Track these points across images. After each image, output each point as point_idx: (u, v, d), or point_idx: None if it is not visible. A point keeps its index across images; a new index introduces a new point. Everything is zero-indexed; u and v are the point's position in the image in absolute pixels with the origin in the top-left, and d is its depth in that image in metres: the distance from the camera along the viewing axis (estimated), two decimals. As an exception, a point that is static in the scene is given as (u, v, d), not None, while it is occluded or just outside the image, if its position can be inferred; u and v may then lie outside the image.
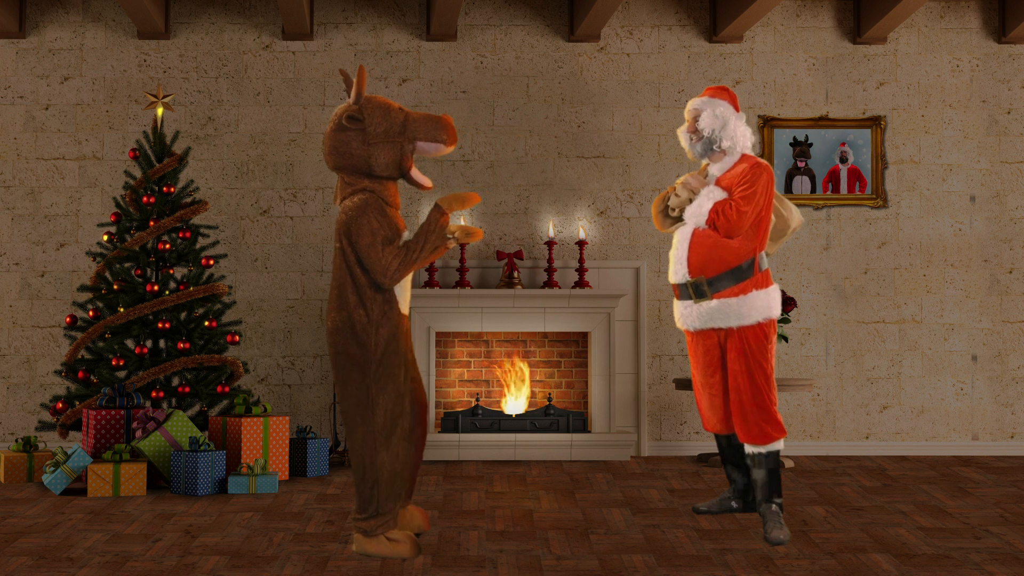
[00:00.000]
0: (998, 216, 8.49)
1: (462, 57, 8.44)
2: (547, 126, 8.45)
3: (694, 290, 5.52)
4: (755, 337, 5.47)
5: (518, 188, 8.42)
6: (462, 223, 8.03)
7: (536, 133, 8.44)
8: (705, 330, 5.59)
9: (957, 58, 8.53)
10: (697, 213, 5.53)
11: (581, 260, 8.21)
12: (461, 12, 8.35)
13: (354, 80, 5.17)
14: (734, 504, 5.90)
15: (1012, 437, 8.43)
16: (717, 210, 5.46)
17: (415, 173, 5.14)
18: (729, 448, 5.84)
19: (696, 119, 5.68)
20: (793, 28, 8.52)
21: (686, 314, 5.61)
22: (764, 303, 5.49)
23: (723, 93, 5.73)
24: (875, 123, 8.49)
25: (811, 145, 8.49)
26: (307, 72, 8.40)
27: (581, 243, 8.19)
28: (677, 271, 5.59)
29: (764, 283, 5.51)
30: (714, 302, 5.48)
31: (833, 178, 8.49)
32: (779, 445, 5.48)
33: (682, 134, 5.75)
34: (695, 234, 5.54)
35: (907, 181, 8.49)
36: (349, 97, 5.18)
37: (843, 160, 8.49)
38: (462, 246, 8.19)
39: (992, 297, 8.46)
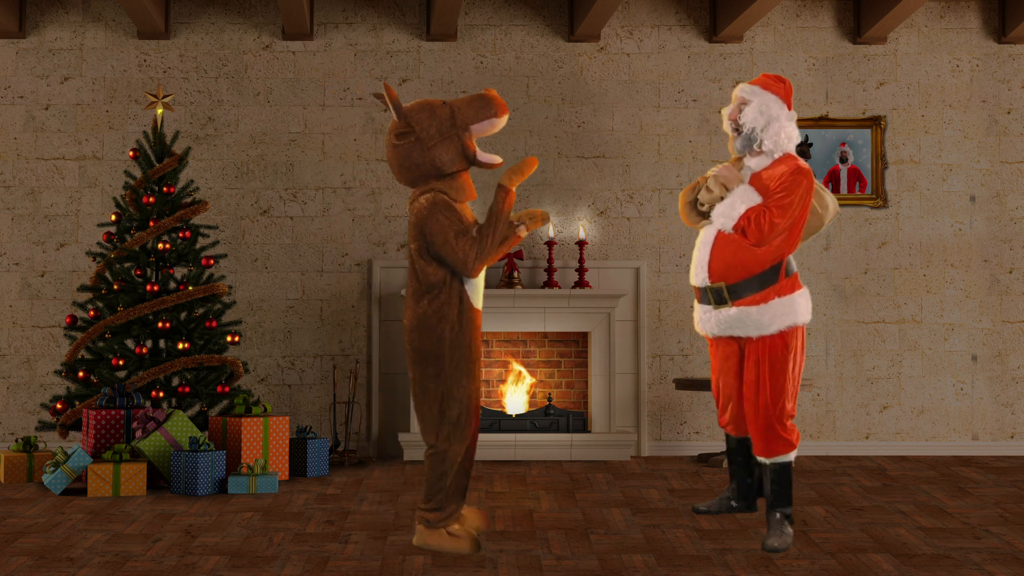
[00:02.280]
0: (998, 216, 8.49)
1: (462, 57, 8.45)
2: (547, 126, 8.45)
3: (714, 296, 5.24)
4: (774, 348, 5.19)
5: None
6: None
7: (536, 133, 8.44)
8: (720, 337, 5.36)
9: (957, 58, 8.53)
10: (728, 215, 5.19)
11: (581, 260, 8.21)
12: (461, 12, 8.35)
13: (386, 98, 5.23)
14: (734, 504, 5.72)
15: (1012, 437, 8.43)
16: (749, 217, 5.13)
17: (481, 156, 5.23)
18: (737, 450, 5.63)
19: (740, 109, 5.30)
20: (793, 28, 8.52)
21: (705, 319, 5.33)
22: (787, 310, 5.18)
23: (777, 85, 5.34)
24: (875, 123, 8.49)
25: (811, 145, 8.49)
26: (307, 72, 8.40)
27: (581, 243, 8.19)
28: (698, 274, 5.28)
29: (789, 289, 5.20)
30: (733, 310, 5.20)
31: (833, 178, 8.49)
32: (788, 458, 5.25)
33: (726, 117, 5.37)
34: (719, 237, 5.23)
35: (907, 181, 8.50)
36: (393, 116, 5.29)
37: (843, 160, 8.49)
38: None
39: (992, 297, 8.47)
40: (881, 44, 8.52)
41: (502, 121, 5.24)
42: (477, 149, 5.23)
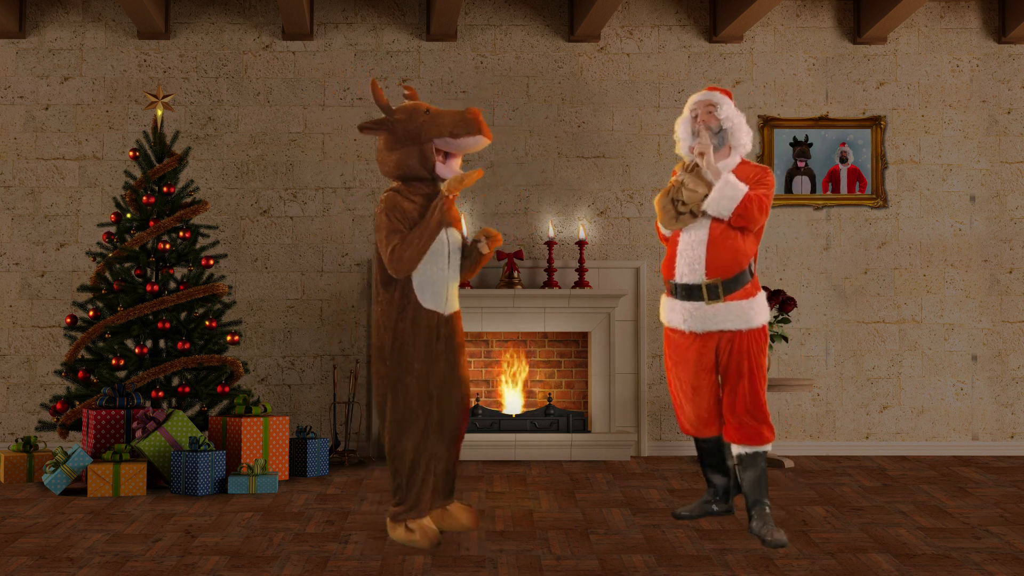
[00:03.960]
0: (998, 216, 8.49)
1: (462, 57, 8.45)
2: (547, 126, 8.45)
3: (709, 292, 5.37)
4: (757, 340, 5.42)
5: (518, 188, 8.42)
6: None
7: (536, 133, 8.44)
8: (707, 332, 5.45)
9: (957, 58, 8.53)
10: (730, 196, 5.30)
11: (581, 260, 8.21)
12: (461, 12, 8.35)
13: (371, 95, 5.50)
14: (714, 507, 5.76)
15: (1012, 437, 8.43)
16: (750, 198, 5.31)
17: (439, 169, 5.36)
18: (711, 451, 5.70)
19: (711, 112, 5.50)
20: (793, 28, 8.52)
21: (696, 315, 5.41)
22: (765, 306, 5.46)
23: (727, 94, 5.61)
24: (875, 123, 8.49)
25: (811, 145, 8.49)
26: (307, 72, 8.40)
27: (581, 243, 8.19)
28: (693, 271, 5.39)
29: (759, 287, 5.49)
30: (725, 304, 5.37)
31: (833, 178, 8.49)
32: (769, 447, 5.43)
33: (683, 125, 5.55)
34: (713, 235, 5.37)
35: (907, 181, 8.50)
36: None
37: (843, 160, 8.49)
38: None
39: (992, 297, 8.47)
40: (881, 44, 8.52)
41: (475, 140, 5.28)
42: (439, 162, 5.31)
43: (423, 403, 5.26)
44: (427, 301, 5.28)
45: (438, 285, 5.31)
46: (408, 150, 5.33)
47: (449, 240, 5.38)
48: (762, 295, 5.48)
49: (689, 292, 5.43)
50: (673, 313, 5.52)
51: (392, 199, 5.29)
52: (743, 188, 5.34)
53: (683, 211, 5.44)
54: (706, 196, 5.38)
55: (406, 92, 5.58)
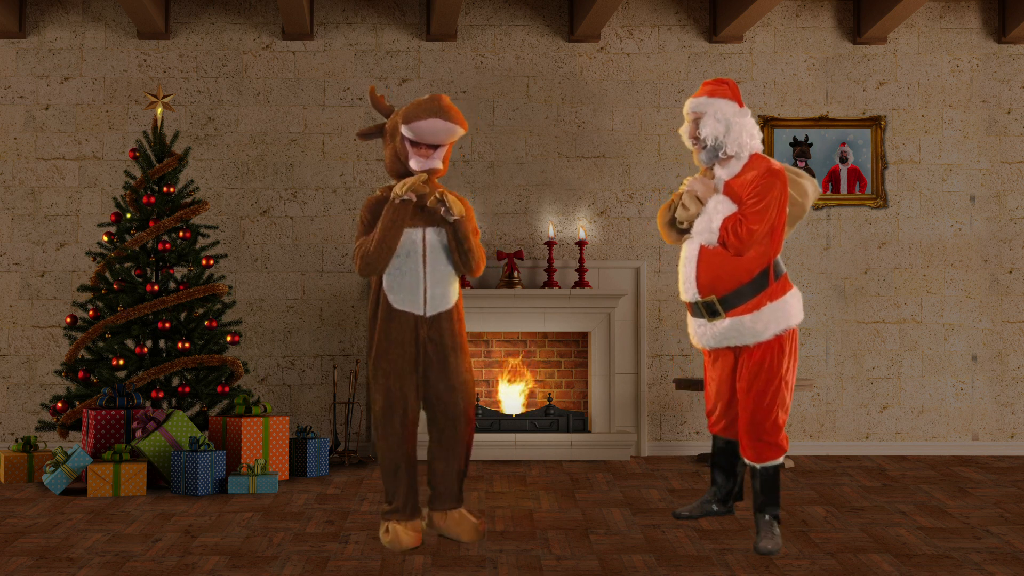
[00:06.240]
0: (998, 216, 8.49)
1: (462, 57, 8.44)
2: (547, 126, 8.45)
3: (706, 309, 5.16)
4: (771, 352, 5.13)
5: (518, 188, 8.41)
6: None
7: (536, 133, 8.44)
8: (721, 348, 5.27)
9: (957, 58, 8.53)
10: (708, 230, 5.11)
11: (581, 260, 8.21)
12: (461, 12, 8.35)
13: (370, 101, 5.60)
14: (715, 507, 5.63)
15: (1012, 437, 8.43)
16: (726, 227, 5.05)
17: (413, 164, 5.31)
18: (723, 451, 5.56)
19: (697, 124, 5.25)
20: (793, 28, 8.52)
21: (700, 333, 5.25)
22: (780, 314, 5.12)
23: (723, 87, 5.28)
24: (875, 123, 8.49)
25: (811, 145, 8.49)
26: (307, 72, 8.40)
27: (581, 243, 8.19)
28: (687, 289, 5.21)
29: (780, 292, 5.14)
30: (727, 321, 5.12)
31: (833, 178, 8.49)
32: (778, 462, 5.21)
33: (684, 136, 5.33)
34: (703, 251, 5.15)
35: (907, 181, 8.50)
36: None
37: (843, 160, 8.49)
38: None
39: (992, 297, 8.47)
40: (881, 44, 8.52)
41: (419, 126, 5.18)
42: (417, 156, 5.26)
43: (391, 405, 5.24)
44: (397, 302, 5.25)
45: (410, 286, 5.24)
46: (391, 147, 5.32)
47: (426, 240, 5.29)
48: (778, 302, 5.14)
49: (692, 309, 5.27)
50: (690, 327, 5.37)
51: (370, 198, 5.32)
52: (719, 220, 5.09)
53: (681, 227, 5.30)
54: (698, 214, 5.19)
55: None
